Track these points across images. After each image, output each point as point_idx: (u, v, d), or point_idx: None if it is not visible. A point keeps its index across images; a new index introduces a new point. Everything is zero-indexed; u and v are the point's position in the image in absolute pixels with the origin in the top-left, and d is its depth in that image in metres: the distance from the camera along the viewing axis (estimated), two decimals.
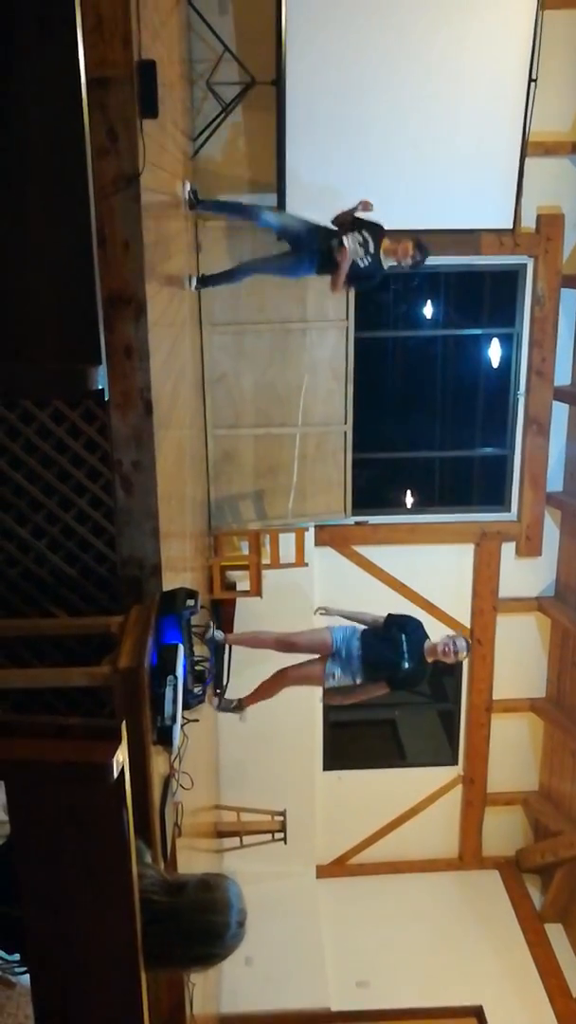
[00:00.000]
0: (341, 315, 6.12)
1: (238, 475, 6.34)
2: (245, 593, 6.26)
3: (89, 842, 1.45)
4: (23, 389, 1.92)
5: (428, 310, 6.79)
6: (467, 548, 6.94)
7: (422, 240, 4.97)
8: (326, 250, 4.93)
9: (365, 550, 6.86)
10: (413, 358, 7.05)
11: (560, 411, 6.67)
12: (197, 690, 3.29)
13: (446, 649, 5.03)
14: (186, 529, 4.33)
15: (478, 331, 6.81)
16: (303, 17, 4.97)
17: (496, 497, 7.00)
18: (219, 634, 5.56)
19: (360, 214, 4.88)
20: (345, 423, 6.34)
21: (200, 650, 3.47)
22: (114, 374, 2.77)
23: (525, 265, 6.39)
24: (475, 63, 5.25)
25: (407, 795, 7.49)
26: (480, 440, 7.12)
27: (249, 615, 6.46)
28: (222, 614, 6.33)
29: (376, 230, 4.94)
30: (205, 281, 5.48)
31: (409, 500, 7.19)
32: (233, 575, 6.40)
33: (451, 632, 5.44)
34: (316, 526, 6.62)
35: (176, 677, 2.72)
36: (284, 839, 6.67)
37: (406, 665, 5.03)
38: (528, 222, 6.14)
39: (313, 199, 5.36)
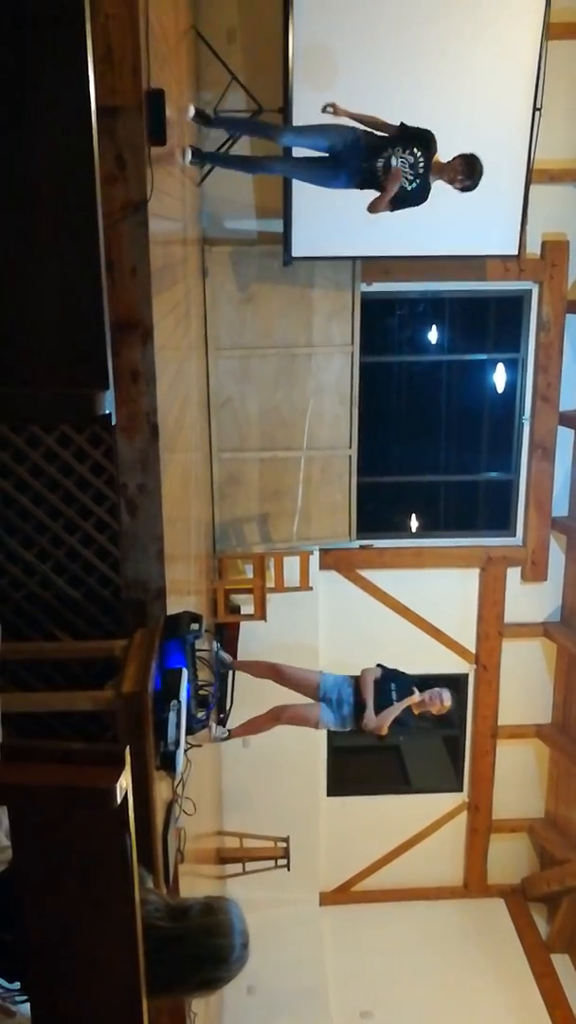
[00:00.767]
0: (347, 340, 6.15)
1: (243, 498, 6.35)
2: (249, 617, 6.24)
3: (92, 868, 1.44)
4: (30, 414, 1.93)
5: (433, 335, 6.82)
6: (472, 573, 6.93)
7: (475, 161, 4.33)
8: (370, 168, 4.30)
9: (370, 574, 6.85)
10: (418, 383, 7.07)
11: (565, 436, 6.68)
12: (200, 715, 3.28)
13: (431, 698, 5.22)
14: (191, 552, 4.33)
15: (483, 356, 6.83)
16: (309, 45, 5.02)
17: (501, 522, 7.00)
18: (227, 657, 5.56)
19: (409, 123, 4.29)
20: (350, 447, 6.36)
21: (204, 675, 3.46)
22: (120, 398, 2.78)
23: (530, 291, 6.42)
24: (480, 92, 5.30)
25: (411, 822, 7.44)
26: (485, 464, 7.12)
27: (253, 639, 6.44)
28: (226, 638, 6.31)
29: (428, 145, 4.31)
30: (206, 157, 4.77)
31: (414, 524, 7.18)
32: (237, 598, 6.39)
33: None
34: (321, 550, 6.62)
35: (180, 702, 2.71)
36: (287, 866, 6.61)
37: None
38: (533, 248, 6.18)
39: (320, 226, 5.40)
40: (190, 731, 3.05)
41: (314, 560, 6.48)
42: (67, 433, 2.95)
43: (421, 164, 4.28)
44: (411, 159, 4.27)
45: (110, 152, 2.57)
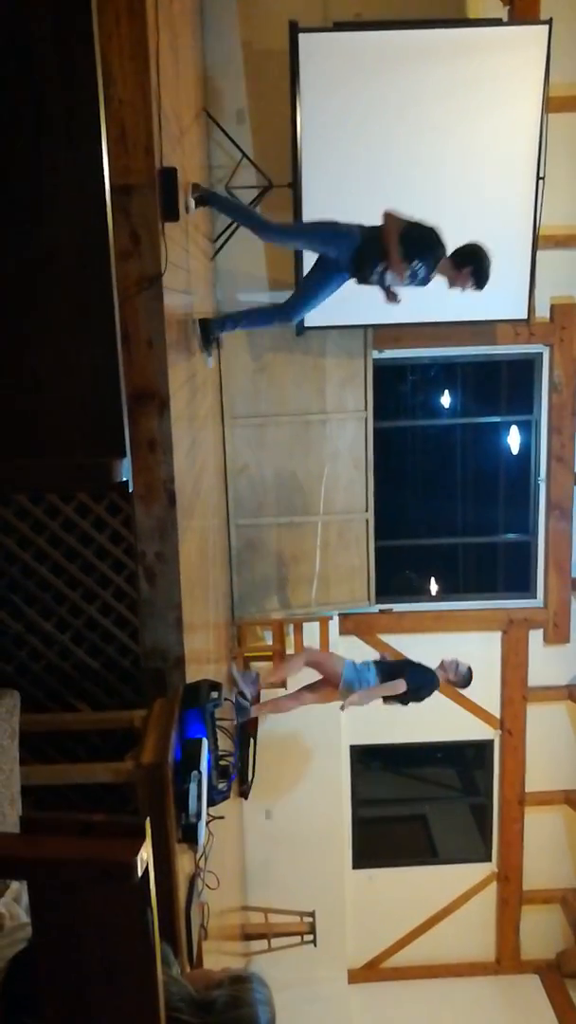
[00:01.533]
0: (360, 406, 6.20)
1: (261, 564, 6.34)
2: (271, 685, 6.19)
3: (113, 946, 1.40)
4: (49, 483, 1.95)
5: (446, 399, 6.88)
6: (494, 636, 6.86)
7: (484, 274, 4.18)
8: (365, 278, 4.20)
9: (391, 639, 6.80)
10: (433, 446, 7.11)
11: None
12: (222, 786, 3.23)
13: (449, 665, 5.50)
14: (209, 620, 4.32)
15: (497, 419, 6.87)
16: (317, 122, 5.18)
17: (521, 583, 6.95)
18: (246, 702, 5.57)
19: (414, 219, 4.10)
20: (367, 511, 6.37)
21: (224, 744, 3.42)
22: (138, 467, 2.81)
23: (541, 354, 6.48)
24: (485, 162, 5.43)
25: (440, 894, 7.24)
26: (503, 526, 7.11)
27: None
28: None
29: (434, 249, 4.12)
30: (210, 198, 4.35)
31: (434, 587, 7.15)
32: (257, 666, 6.35)
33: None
34: (340, 615, 6.58)
35: (201, 772, 2.68)
36: (314, 941, 6.43)
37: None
38: (542, 312, 6.26)
39: (332, 296, 5.49)
40: (211, 802, 3.00)
41: (333, 625, 6.44)
42: (85, 502, 2.97)
43: (422, 272, 4.16)
44: (411, 270, 4.13)
45: (125, 229, 2.64)
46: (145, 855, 1.34)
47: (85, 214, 1.54)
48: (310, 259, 5.38)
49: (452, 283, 4.24)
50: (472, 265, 4.18)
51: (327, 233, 4.27)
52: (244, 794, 6.14)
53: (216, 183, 5.70)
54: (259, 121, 5.78)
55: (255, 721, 6.20)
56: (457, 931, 7.23)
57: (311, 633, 6.25)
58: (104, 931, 1.39)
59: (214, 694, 2.98)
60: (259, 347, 6.01)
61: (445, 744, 7.24)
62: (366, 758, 7.22)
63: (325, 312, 5.59)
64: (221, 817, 3.68)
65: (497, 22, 5.44)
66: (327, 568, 6.37)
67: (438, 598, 7.05)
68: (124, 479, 1.64)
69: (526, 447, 6.75)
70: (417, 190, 5.45)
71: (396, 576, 7.02)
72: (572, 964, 7.12)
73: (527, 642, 6.84)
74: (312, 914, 6.50)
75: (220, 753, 3.28)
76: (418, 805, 7.70)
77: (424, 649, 6.76)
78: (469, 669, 5.57)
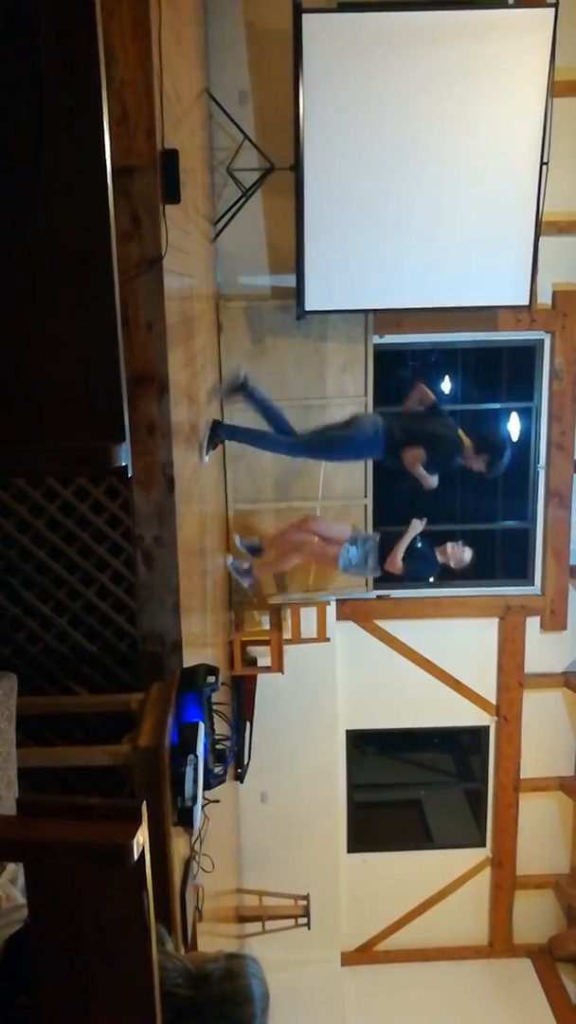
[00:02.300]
0: (360, 391, 6.19)
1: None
2: (267, 669, 6.21)
3: (108, 926, 1.41)
4: (47, 467, 1.94)
5: (447, 385, 6.86)
6: (491, 622, 6.87)
7: (502, 456, 4.93)
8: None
9: (388, 624, 6.81)
10: None
11: None
12: (218, 770, 3.24)
13: (452, 550, 5.43)
14: (207, 604, 4.32)
15: (497, 405, 6.85)
16: (320, 104, 5.14)
17: (520, 570, 6.95)
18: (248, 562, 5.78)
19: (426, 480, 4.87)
20: (365, 496, 6.36)
21: (221, 727, 3.43)
22: (137, 451, 2.80)
23: (542, 340, 6.46)
24: (489, 147, 5.39)
25: (434, 878, 7.28)
26: (502, 513, 7.10)
27: (271, 691, 6.39)
28: (243, 691, 6.26)
29: (454, 460, 4.87)
30: (223, 431, 4.93)
31: None
32: (254, 651, 6.36)
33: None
34: (338, 600, 6.59)
35: (197, 756, 2.69)
36: (308, 924, 6.48)
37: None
38: (544, 298, 6.23)
39: (332, 280, 5.47)
40: (207, 786, 3.01)
41: (331, 611, 6.45)
42: (84, 486, 2.96)
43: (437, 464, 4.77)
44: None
45: (126, 211, 2.62)
46: (141, 838, 1.35)
47: (86, 196, 1.53)
48: (312, 248, 5.39)
49: (465, 460, 4.85)
50: (490, 455, 4.81)
51: (348, 451, 5.07)
52: (240, 777, 6.17)
53: (218, 164, 5.67)
54: (261, 102, 5.74)
55: (252, 705, 6.22)
56: (451, 915, 7.28)
57: (308, 618, 6.25)
58: (100, 913, 1.39)
59: (211, 678, 2.99)
60: (259, 331, 5.98)
61: (441, 730, 7.26)
62: (362, 743, 7.25)
63: (326, 297, 5.59)
64: (217, 800, 3.70)
65: (503, 4, 5.40)
66: None
67: (435, 584, 7.06)
68: (123, 463, 1.64)
69: (526, 434, 6.73)
70: (419, 174, 5.42)
71: None
72: (563, 948, 7.18)
73: (524, 629, 6.86)
74: (306, 897, 6.54)
75: (216, 737, 3.29)
76: (413, 790, 7.73)
77: (422, 635, 6.81)
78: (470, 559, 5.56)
